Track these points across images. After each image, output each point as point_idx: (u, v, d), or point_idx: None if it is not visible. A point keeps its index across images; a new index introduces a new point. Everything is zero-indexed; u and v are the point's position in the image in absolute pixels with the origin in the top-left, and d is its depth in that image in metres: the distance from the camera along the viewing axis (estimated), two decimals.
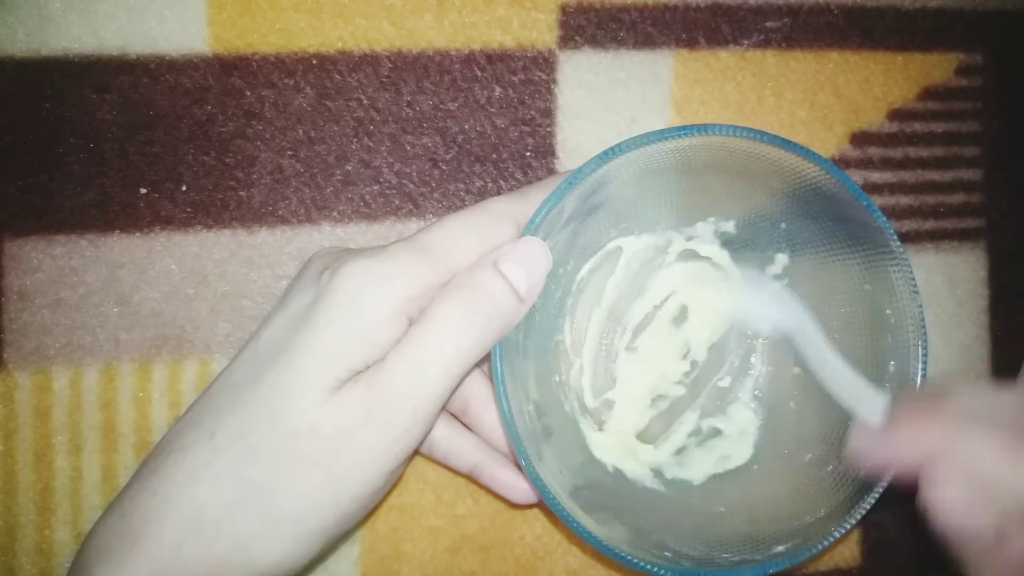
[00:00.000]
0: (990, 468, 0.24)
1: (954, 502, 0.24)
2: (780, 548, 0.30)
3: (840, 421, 0.32)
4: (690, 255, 0.35)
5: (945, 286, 0.40)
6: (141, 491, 0.27)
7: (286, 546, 0.27)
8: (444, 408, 0.30)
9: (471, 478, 0.33)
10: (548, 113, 0.37)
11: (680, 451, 0.35)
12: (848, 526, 0.29)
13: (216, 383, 0.29)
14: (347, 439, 0.26)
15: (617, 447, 0.35)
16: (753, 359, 0.36)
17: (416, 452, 0.29)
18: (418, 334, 0.27)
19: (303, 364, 0.26)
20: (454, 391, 0.28)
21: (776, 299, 0.33)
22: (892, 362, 0.31)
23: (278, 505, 0.26)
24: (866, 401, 0.29)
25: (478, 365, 0.30)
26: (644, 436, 0.35)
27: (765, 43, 0.38)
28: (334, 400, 0.26)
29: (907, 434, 0.26)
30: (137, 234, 0.34)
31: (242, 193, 0.35)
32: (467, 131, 0.36)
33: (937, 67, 0.40)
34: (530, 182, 0.36)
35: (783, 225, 0.33)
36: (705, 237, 0.35)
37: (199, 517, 0.26)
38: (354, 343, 0.27)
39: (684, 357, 0.36)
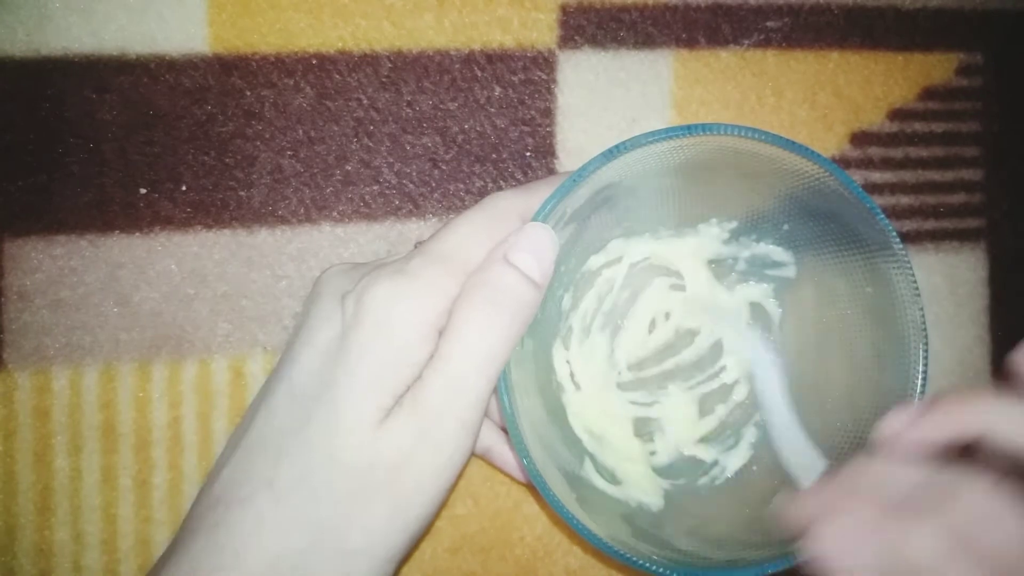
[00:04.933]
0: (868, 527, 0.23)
1: (837, 543, 0.23)
2: (779, 548, 0.29)
3: (838, 422, 0.32)
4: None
5: (945, 286, 0.40)
6: (208, 547, 0.26)
7: None
8: None
9: (485, 459, 0.33)
10: (548, 113, 0.37)
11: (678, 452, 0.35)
12: None
13: (255, 429, 0.28)
14: (404, 466, 0.26)
15: (615, 448, 0.35)
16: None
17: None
18: (447, 346, 0.27)
19: (347, 400, 0.26)
20: (492, 390, 0.28)
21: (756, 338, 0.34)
22: (893, 364, 0.30)
23: (348, 542, 0.26)
24: (806, 464, 0.29)
25: None
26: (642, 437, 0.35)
27: (765, 43, 0.38)
28: (383, 430, 0.26)
29: (808, 500, 0.25)
30: (137, 234, 0.34)
31: (242, 193, 0.35)
32: (467, 131, 0.36)
33: (937, 67, 0.40)
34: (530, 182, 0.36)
35: (785, 226, 0.33)
36: (706, 242, 0.35)
37: (274, 566, 0.26)
38: (392, 369, 0.26)
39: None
